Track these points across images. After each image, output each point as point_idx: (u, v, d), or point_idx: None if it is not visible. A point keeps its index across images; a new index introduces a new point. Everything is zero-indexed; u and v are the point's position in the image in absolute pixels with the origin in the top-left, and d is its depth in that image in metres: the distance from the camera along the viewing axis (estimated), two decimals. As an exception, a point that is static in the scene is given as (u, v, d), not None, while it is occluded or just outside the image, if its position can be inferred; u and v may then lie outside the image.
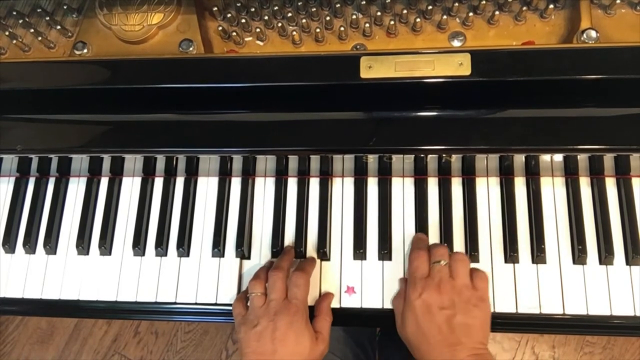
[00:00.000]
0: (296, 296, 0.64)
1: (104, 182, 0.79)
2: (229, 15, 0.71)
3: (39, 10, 0.73)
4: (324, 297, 0.70)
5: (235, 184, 0.76)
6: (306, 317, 0.64)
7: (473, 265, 0.69)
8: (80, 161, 0.78)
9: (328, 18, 0.69)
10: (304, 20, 0.69)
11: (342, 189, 0.75)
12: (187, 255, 0.75)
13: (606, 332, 0.72)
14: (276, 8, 0.70)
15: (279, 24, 0.69)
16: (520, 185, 0.72)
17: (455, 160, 0.72)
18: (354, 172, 0.75)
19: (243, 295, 0.69)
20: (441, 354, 0.59)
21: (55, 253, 0.77)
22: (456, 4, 0.67)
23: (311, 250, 0.73)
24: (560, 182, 0.72)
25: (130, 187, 0.78)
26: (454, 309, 0.60)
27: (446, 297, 0.61)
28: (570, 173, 0.71)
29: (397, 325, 0.66)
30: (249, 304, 0.66)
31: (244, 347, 0.63)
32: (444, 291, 0.61)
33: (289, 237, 0.74)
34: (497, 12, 0.66)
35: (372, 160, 0.73)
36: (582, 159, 0.71)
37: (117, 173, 0.78)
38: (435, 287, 0.61)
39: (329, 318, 0.68)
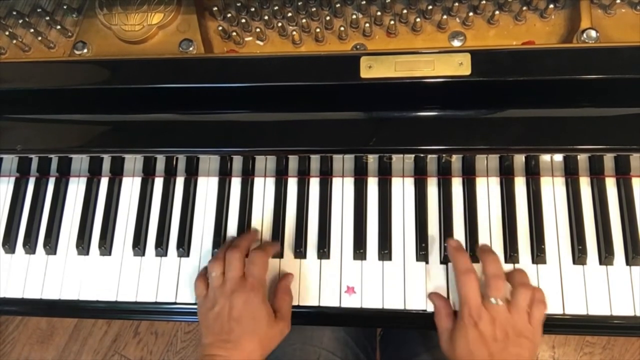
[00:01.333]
0: (252, 273, 0.64)
1: (104, 182, 0.79)
2: (229, 15, 0.71)
3: (39, 10, 0.73)
4: (283, 277, 0.70)
5: (235, 184, 0.76)
6: (263, 294, 0.64)
7: (473, 266, 0.70)
8: (80, 161, 0.78)
9: (328, 18, 0.69)
10: (304, 20, 0.69)
11: (342, 189, 0.75)
12: (187, 255, 0.75)
13: (606, 332, 0.72)
14: (276, 8, 0.70)
15: (279, 24, 0.69)
16: (520, 185, 0.72)
17: (455, 160, 0.72)
18: (354, 172, 0.75)
19: (204, 273, 0.69)
20: None
21: (55, 253, 0.77)
22: (456, 4, 0.67)
23: (311, 249, 0.73)
24: (560, 182, 0.72)
25: (130, 187, 0.78)
26: (506, 342, 0.60)
27: (500, 332, 0.60)
28: (570, 173, 0.71)
29: (442, 343, 0.65)
30: (209, 284, 0.67)
31: (203, 328, 0.64)
32: (499, 326, 0.60)
33: (289, 237, 0.74)
34: (497, 12, 0.66)
35: (372, 160, 0.73)
36: (582, 159, 0.71)
37: (117, 173, 0.78)
38: (491, 321, 0.61)
39: (288, 297, 0.68)
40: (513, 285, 0.64)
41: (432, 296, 0.68)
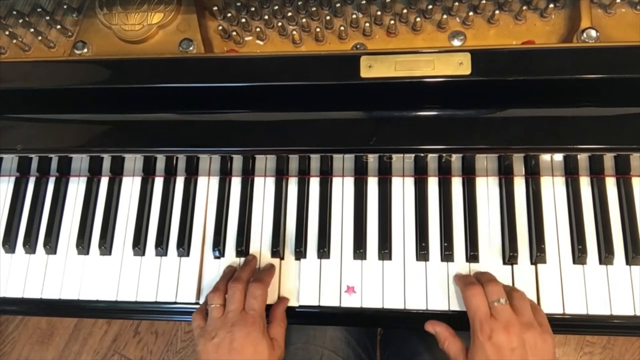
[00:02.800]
0: (253, 307, 0.64)
1: (104, 182, 0.79)
2: (229, 14, 0.71)
3: (39, 9, 0.73)
4: (279, 302, 0.70)
5: (235, 183, 0.76)
6: (263, 327, 0.65)
7: (474, 266, 0.70)
8: (80, 161, 0.78)
9: (328, 17, 0.69)
10: (304, 20, 0.69)
11: (342, 189, 0.75)
12: (187, 255, 0.75)
13: (606, 332, 0.72)
14: (276, 7, 0.70)
15: (279, 24, 0.69)
16: (520, 185, 0.72)
17: (455, 159, 0.72)
18: (354, 172, 0.75)
19: (203, 307, 0.69)
20: None
21: (55, 253, 0.77)
22: (456, 4, 0.67)
23: (311, 249, 0.73)
24: (560, 182, 0.72)
25: (130, 186, 0.78)
26: (524, 348, 0.59)
27: (515, 338, 0.59)
28: (570, 173, 0.71)
29: None
30: (208, 315, 0.66)
31: (201, 358, 0.64)
32: (512, 332, 0.60)
33: (289, 237, 0.74)
34: (497, 12, 0.66)
35: (372, 160, 0.73)
36: (582, 158, 0.71)
37: (117, 173, 0.78)
38: (504, 328, 0.60)
39: (284, 324, 0.68)
40: (510, 297, 0.64)
41: (429, 325, 0.68)
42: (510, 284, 0.69)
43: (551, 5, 0.66)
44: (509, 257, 0.69)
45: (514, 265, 0.69)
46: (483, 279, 0.66)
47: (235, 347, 0.62)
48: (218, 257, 0.74)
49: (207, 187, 0.77)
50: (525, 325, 0.60)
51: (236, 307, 0.64)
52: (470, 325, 0.63)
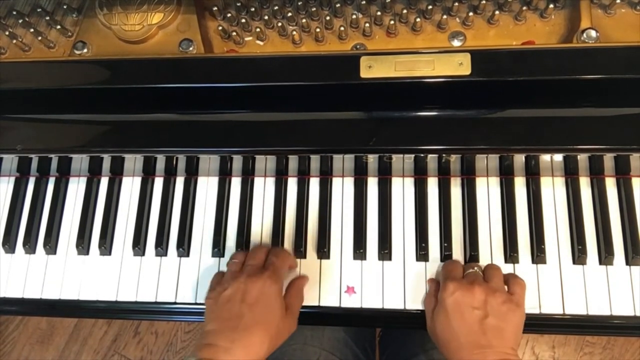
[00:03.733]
0: (273, 263, 0.63)
1: (104, 182, 0.79)
2: (229, 14, 0.71)
3: (39, 10, 0.73)
4: (299, 277, 0.70)
5: (235, 184, 0.76)
6: (279, 287, 0.62)
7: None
8: (80, 161, 0.78)
9: (328, 18, 0.69)
10: (304, 20, 0.69)
11: (342, 189, 0.75)
12: (187, 255, 0.75)
13: (606, 332, 0.72)
14: (276, 8, 0.70)
15: (279, 24, 0.69)
16: (520, 185, 0.72)
17: (455, 160, 0.72)
18: (354, 172, 0.75)
19: (223, 271, 0.68)
20: (470, 354, 0.58)
21: (55, 253, 0.77)
22: (456, 4, 0.67)
23: (311, 249, 0.73)
24: (560, 182, 0.72)
25: (130, 187, 0.78)
26: (485, 309, 0.59)
27: (479, 298, 0.59)
28: (570, 173, 0.71)
29: (427, 324, 0.65)
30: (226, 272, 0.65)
31: (208, 313, 0.60)
32: (477, 291, 0.60)
33: (289, 237, 0.74)
34: (497, 12, 0.66)
35: (372, 160, 0.73)
36: (582, 159, 0.71)
37: (117, 173, 0.78)
38: (469, 287, 0.60)
39: (300, 296, 0.67)
40: (483, 270, 0.66)
41: (429, 280, 0.69)
42: (510, 284, 0.69)
43: (551, 6, 0.66)
44: (509, 257, 0.69)
45: (515, 265, 0.69)
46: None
47: (247, 299, 0.59)
48: (218, 258, 0.74)
49: (207, 187, 0.77)
50: (491, 289, 0.61)
51: (255, 263, 0.63)
52: (440, 287, 0.64)
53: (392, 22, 0.67)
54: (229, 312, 0.59)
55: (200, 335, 0.60)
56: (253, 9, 0.70)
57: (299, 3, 0.70)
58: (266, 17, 0.70)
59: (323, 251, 0.72)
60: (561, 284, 0.68)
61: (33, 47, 0.74)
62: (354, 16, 0.68)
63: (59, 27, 0.73)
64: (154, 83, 0.67)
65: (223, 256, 0.74)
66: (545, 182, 0.72)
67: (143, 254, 0.75)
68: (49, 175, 0.80)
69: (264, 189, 0.76)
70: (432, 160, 0.73)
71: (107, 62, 0.69)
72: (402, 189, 0.74)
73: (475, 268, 0.64)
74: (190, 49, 0.70)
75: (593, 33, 0.64)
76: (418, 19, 0.67)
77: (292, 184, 0.75)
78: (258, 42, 0.71)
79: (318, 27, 0.69)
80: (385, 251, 0.71)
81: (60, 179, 0.79)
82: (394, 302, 0.70)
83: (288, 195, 0.75)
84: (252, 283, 0.60)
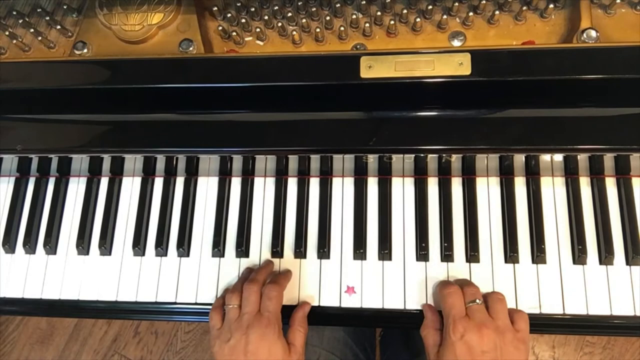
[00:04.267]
0: (268, 309, 0.65)
1: (104, 182, 0.79)
2: (229, 15, 0.71)
3: (39, 10, 0.73)
4: (300, 307, 0.70)
5: (235, 184, 0.76)
6: (278, 329, 0.65)
7: (474, 266, 0.70)
8: (80, 161, 0.78)
9: (328, 18, 0.69)
10: (304, 20, 0.69)
11: (342, 189, 0.75)
12: (187, 255, 0.75)
13: (606, 332, 0.72)
14: (276, 8, 0.70)
15: (279, 24, 0.69)
16: (520, 185, 0.72)
17: (455, 160, 0.72)
18: (354, 172, 0.75)
19: (220, 304, 0.69)
20: None
21: (55, 253, 0.77)
22: (456, 4, 0.67)
23: (311, 249, 0.73)
24: (560, 182, 0.72)
25: (130, 187, 0.78)
26: (495, 352, 0.59)
27: (487, 340, 0.59)
28: (570, 173, 0.71)
29: (429, 358, 0.64)
30: (225, 315, 0.67)
31: (216, 356, 0.64)
32: (485, 334, 0.59)
33: (289, 237, 0.74)
34: (497, 12, 0.66)
35: (372, 160, 0.73)
36: (582, 159, 0.71)
37: (117, 173, 0.78)
38: (477, 329, 0.60)
39: (303, 329, 0.68)
40: (484, 296, 0.64)
41: (425, 307, 0.68)
42: (512, 284, 0.69)
43: (551, 6, 0.66)
44: (509, 257, 0.69)
45: (515, 265, 0.69)
46: (461, 283, 0.66)
47: (250, 349, 0.62)
48: (218, 258, 0.74)
49: (207, 188, 0.77)
50: (499, 329, 0.60)
51: (251, 309, 0.65)
52: (444, 323, 0.63)
53: (392, 22, 0.67)
54: None
55: None
56: (253, 9, 0.70)
57: (299, 3, 0.70)
58: (266, 17, 0.70)
59: (323, 251, 0.72)
60: (561, 284, 0.68)
61: (33, 47, 0.74)
62: (354, 16, 0.68)
63: (59, 27, 0.72)
64: (154, 83, 0.67)
65: (223, 256, 0.74)
66: (545, 182, 0.72)
67: (143, 254, 0.75)
68: (49, 175, 0.80)
69: (264, 189, 0.76)
70: (432, 160, 0.73)
71: (107, 62, 0.69)
72: (402, 189, 0.74)
73: (478, 300, 0.62)
74: (190, 49, 0.70)
75: (593, 33, 0.64)
76: (418, 19, 0.67)
77: (292, 184, 0.75)
78: (258, 42, 0.71)
79: (318, 27, 0.69)
80: (385, 251, 0.71)
81: (60, 179, 0.79)
82: (394, 302, 0.70)
83: (288, 195, 0.75)
84: (253, 334, 0.63)
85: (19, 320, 1.63)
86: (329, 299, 0.71)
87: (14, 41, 0.72)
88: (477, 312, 0.61)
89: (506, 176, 0.72)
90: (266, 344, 0.63)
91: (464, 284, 0.66)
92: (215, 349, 0.65)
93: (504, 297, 0.65)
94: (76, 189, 0.79)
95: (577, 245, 0.69)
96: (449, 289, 0.64)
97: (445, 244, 0.70)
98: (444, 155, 0.71)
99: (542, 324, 0.68)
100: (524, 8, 0.66)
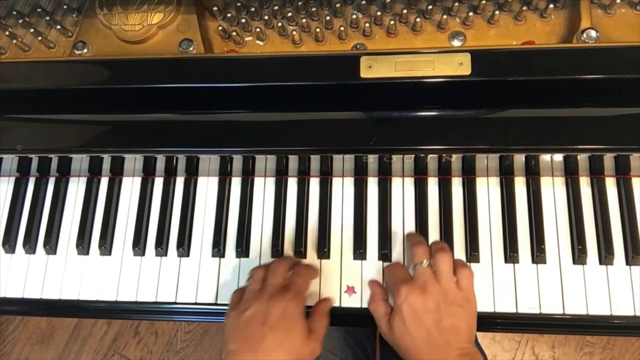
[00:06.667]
0: (296, 282, 0.61)
1: (104, 182, 0.79)
2: (229, 15, 0.71)
3: (39, 10, 0.73)
4: (324, 300, 0.69)
5: (235, 184, 0.76)
6: (302, 307, 0.61)
7: (474, 265, 0.70)
8: (80, 161, 0.78)
9: (328, 18, 0.69)
10: (304, 20, 0.69)
11: (342, 189, 0.75)
12: (187, 255, 0.75)
13: (606, 332, 0.72)
14: (276, 8, 0.70)
15: (279, 24, 0.69)
16: (520, 185, 0.72)
17: (455, 160, 0.72)
18: (354, 172, 0.75)
19: (243, 287, 0.66)
20: (430, 355, 0.58)
21: (55, 253, 0.77)
22: (456, 4, 0.67)
23: (311, 250, 0.73)
24: (560, 182, 0.72)
25: (130, 187, 0.78)
26: (439, 312, 0.59)
27: (431, 301, 0.59)
28: (570, 173, 0.71)
29: (381, 331, 0.64)
30: (246, 289, 0.63)
31: (229, 332, 0.59)
32: (428, 294, 0.59)
33: (289, 237, 0.74)
34: (497, 12, 0.66)
35: (372, 160, 0.73)
36: (582, 159, 0.71)
37: (117, 173, 0.78)
38: (420, 291, 0.60)
39: (326, 320, 0.65)
40: (432, 254, 0.63)
41: (369, 282, 0.68)
42: (511, 284, 0.69)
43: (551, 6, 0.66)
44: (509, 257, 0.69)
45: (515, 265, 0.69)
46: (409, 243, 0.67)
47: (268, 321, 0.57)
48: (218, 258, 0.74)
49: (207, 188, 0.77)
50: (442, 291, 0.60)
51: (277, 281, 0.61)
52: (392, 294, 0.63)
53: (392, 22, 0.67)
54: (251, 333, 0.57)
55: (223, 353, 0.59)
56: (253, 9, 0.70)
57: (299, 3, 0.70)
58: (266, 17, 0.70)
59: (323, 251, 0.72)
60: (561, 284, 0.68)
61: (33, 47, 0.74)
62: (354, 16, 0.68)
63: (59, 27, 0.73)
64: (154, 83, 0.67)
65: (223, 256, 0.74)
66: (545, 182, 0.72)
67: (143, 254, 0.75)
68: (49, 175, 0.80)
69: (264, 189, 0.76)
70: (432, 160, 0.73)
71: (107, 62, 0.69)
72: (402, 189, 0.74)
73: (424, 262, 0.62)
74: (190, 49, 0.70)
75: (593, 33, 0.64)
76: (418, 19, 0.67)
77: (292, 184, 0.75)
78: (258, 42, 0.71)
79: (318, 27, 0.69)
80: (385, 251, 0.71)
81: (60, 179, 0.79)
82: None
83: (288, 195, 0.75)
84: (274, 304, 0.59)
85: (19, 320, 1.63)
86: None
87: (14, 41, 0.72)
88: (421, 275, 0.61)
89: (506, 176, 0.72)
90: (287, 319, 0.58)
91: (408, 243, 0.66)
92: (230, 320, 0.59)
93: (448, 256, 0.63)
94: (76, 189, 0.79)
95: (577, 245, 0.69)
96: (391, 265, 0.66)
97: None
98: (444, 155, 0.71)
99: (542, 324, 0.68)
100: (524, 8, 0.67)
